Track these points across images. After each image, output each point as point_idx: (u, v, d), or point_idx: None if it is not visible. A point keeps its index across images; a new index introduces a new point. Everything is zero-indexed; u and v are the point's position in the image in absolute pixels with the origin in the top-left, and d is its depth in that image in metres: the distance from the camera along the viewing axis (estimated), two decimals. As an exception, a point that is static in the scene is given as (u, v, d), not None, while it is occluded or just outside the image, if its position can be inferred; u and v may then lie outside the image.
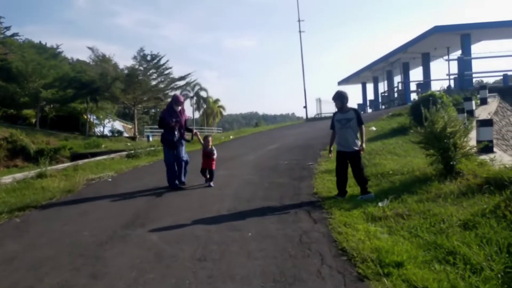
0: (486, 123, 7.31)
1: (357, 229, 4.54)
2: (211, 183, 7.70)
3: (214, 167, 7.92)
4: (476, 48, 24.88)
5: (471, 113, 11.58)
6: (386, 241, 4.04)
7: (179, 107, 7.81)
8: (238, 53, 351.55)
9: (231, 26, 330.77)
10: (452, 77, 22.28)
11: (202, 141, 7.92)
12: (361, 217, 5.09)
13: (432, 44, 25.79)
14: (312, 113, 37.46)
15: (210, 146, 7.92)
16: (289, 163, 9.61)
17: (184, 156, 7.84)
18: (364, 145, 6.32)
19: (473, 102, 12.03)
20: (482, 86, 14.45)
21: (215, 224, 5.19)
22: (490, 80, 34.33)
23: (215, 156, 7.89)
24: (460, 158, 6.19)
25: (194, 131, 8.14)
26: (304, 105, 33.67)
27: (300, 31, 35.01)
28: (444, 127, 6.14)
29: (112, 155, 13.65)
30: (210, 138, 8.00)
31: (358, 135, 6.34)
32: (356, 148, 6.26)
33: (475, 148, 6.31)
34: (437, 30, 23.04)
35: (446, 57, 27.66)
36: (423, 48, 26.68)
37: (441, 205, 4.98)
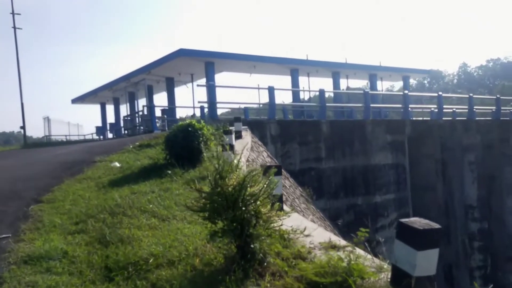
0: (277, 171, 5.35)
1: None
2: None
3: None
4: (218, 78, 25.06)
5: (231, 148, 9.96)
6: None
7: None
8: None
9: None
10: (199, 105, 21.41)
11: None
12: None
13: (176, 69, 24.71)
14: (38, 133, 31.06)
15: None
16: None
17: None
18: None
19: (233, 136, 10.52)
20: (237, 118, 13.43)
21: None
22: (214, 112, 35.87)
23: None
24: (265, 237, 3.86)
25: None
26: (21, 125, 25.75)
27: (15, 27, 27.28)
28: (242, 185, 3.70)
29: None
30: None
31: None
32: None
33: (282, 218, 4.09)
34: (182, 54, 21.92)
35: (189, 84, 27.18)
36: (167, 71, 25.36)
37: None
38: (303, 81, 27.89)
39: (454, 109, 24.95)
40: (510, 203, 23.44)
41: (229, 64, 24.63)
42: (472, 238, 22.23)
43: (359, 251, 3.91)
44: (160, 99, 31.19)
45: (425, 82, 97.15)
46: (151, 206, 5.87)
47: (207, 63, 22.62)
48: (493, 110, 25.78)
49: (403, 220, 2.98)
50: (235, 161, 3.98)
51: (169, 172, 8.06)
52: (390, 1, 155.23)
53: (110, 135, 31.65)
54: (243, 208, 3.71)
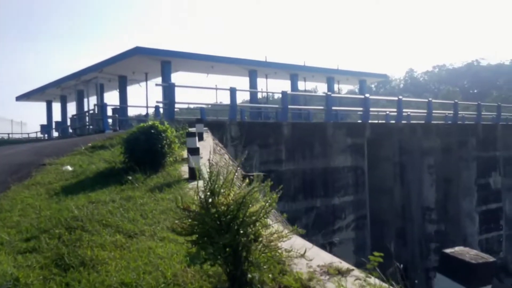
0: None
1: None
2: None
3: None
4: (174, 78, 24.05)
5: (195, 152, 9.19)
6: None
7: None
8: None
9: None
10: (155, 104, 20.41)
11: None
12: None
13: (131, 67, 23.52)
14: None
15: None
16: None
17: None
18: None
19: (197, 138, 9.76)
20: (198, 119, 12.64)
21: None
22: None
23: None
24: (267, 265, 3.24)
25: None
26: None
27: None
28: (241, 203, 3.07)
29: None
30: None
31: None
32: None
33: (283, 241, 3.47)
34: (138, 52, 20.90)
35: (143, 83, 26.00)
36: (121, 70, 24.14)
37: None
38: (261, 82, 27.61)
39: (409, 113, 25.34)
40: (466, 206, 23.97)
41: (186, 64, 23.79)
42: (428, 240, 22.55)
43: (374, 279, 3.39)
44: (111, 98, 29.71)
45: (372, 86, 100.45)
46: (113, 219, 5.06)
47: (164, 62, 21.71)
48: (447, 114, 26.37)
49: (447, 250, 2.44)
50: (231, 175, 3.33)
51: (130, 177, 7.23)
52: (346, 7, 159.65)
53: (55, 134, 29.78)
54: (241, 231, 3.08)
